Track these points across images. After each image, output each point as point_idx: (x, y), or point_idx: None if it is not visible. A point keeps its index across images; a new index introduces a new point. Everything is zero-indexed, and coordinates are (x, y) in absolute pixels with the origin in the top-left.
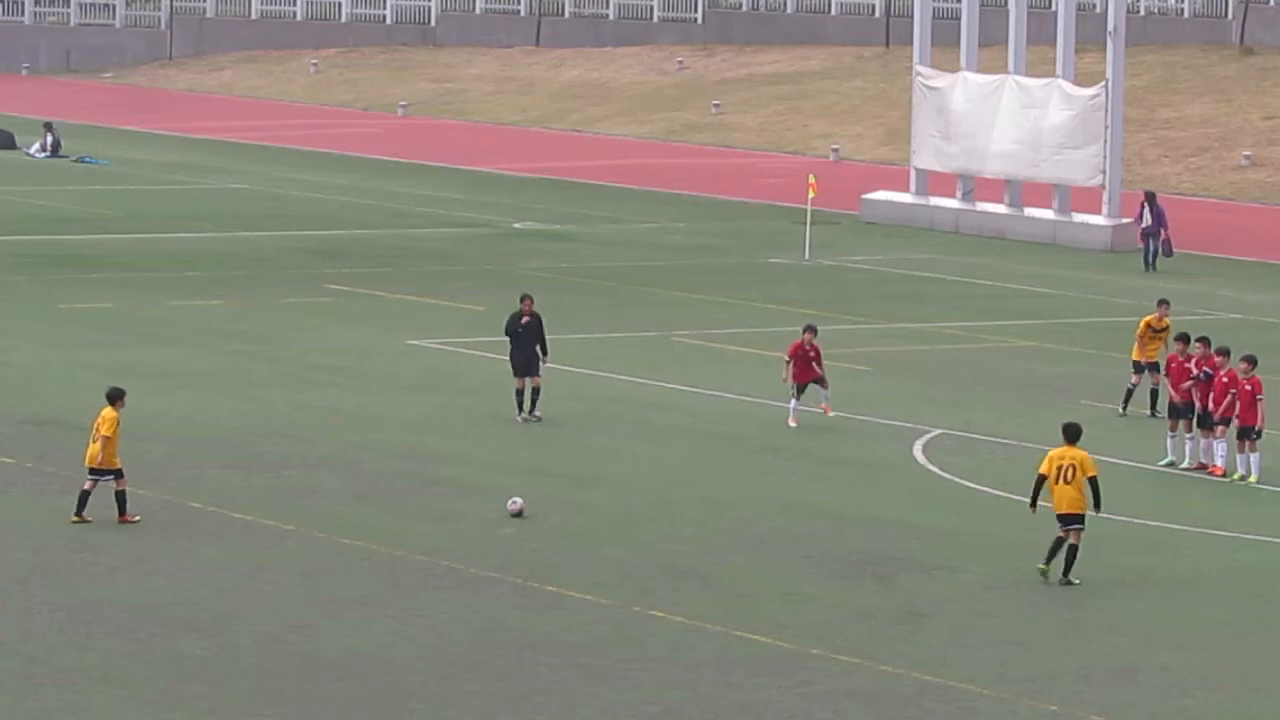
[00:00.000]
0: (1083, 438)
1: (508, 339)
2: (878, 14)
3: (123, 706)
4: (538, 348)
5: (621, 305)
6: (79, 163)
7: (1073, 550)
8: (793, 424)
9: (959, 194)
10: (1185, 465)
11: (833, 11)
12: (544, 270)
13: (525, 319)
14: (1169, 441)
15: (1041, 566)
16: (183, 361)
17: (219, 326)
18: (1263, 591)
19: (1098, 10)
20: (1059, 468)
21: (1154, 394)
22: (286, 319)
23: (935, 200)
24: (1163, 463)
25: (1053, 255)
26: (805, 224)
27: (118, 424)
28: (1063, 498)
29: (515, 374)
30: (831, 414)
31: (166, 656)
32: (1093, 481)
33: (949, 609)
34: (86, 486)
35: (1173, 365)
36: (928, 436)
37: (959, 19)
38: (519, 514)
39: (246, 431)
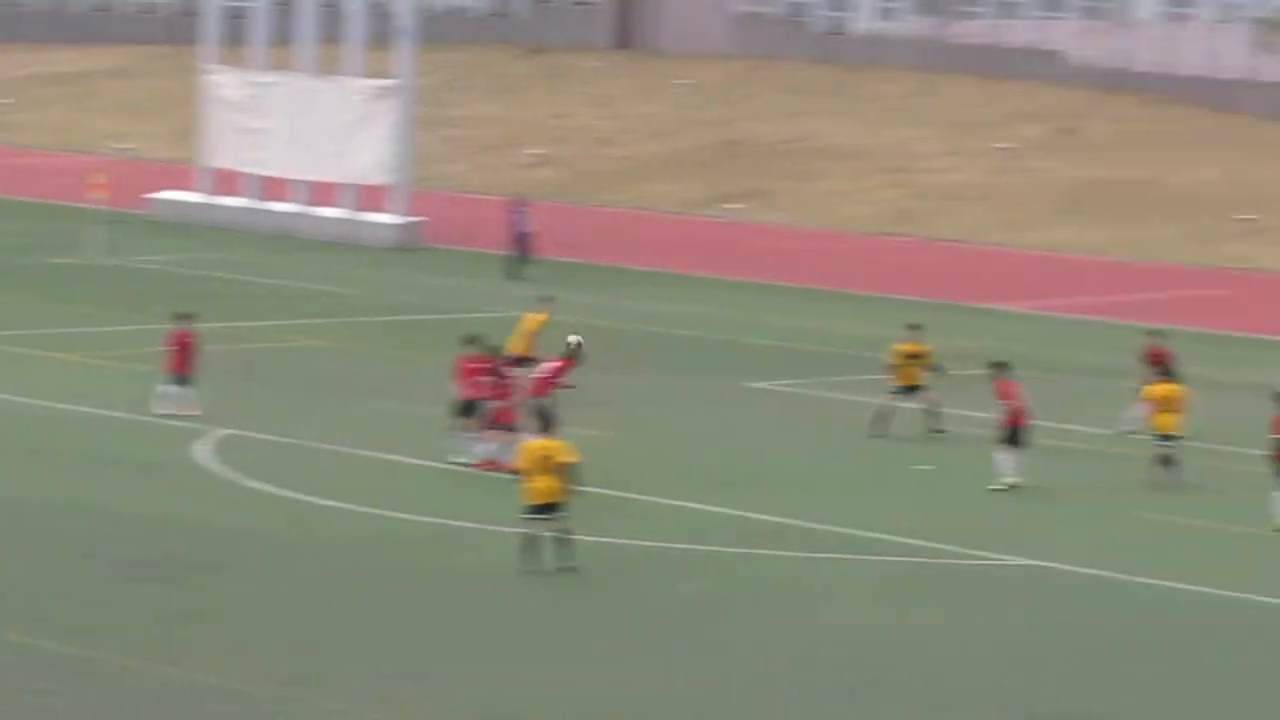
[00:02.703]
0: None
1: None
2: (168, 13)
3: None
4: None
5: None
6: None
7: None
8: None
9: (254, 193)
10: (468, 461)
11: (121, 10)
12: None
13: None
14: (460, 440)
15: None
16: None
17: None
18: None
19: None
20: None
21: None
22: None
23: (225, 199)
24: (460, 460)
25: (343, 254)
26: (95, 224)
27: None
28: None
29: None
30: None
31: None
32: None
33: (235, 610)
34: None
35: (463, 365)
36: (215, 436)
37: (252, 18)
38: None
39: None
